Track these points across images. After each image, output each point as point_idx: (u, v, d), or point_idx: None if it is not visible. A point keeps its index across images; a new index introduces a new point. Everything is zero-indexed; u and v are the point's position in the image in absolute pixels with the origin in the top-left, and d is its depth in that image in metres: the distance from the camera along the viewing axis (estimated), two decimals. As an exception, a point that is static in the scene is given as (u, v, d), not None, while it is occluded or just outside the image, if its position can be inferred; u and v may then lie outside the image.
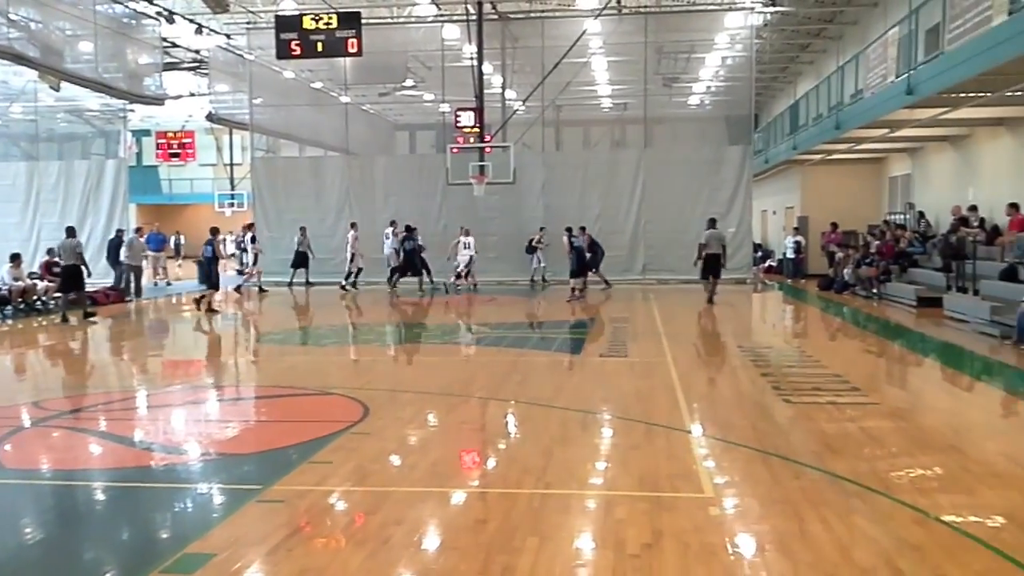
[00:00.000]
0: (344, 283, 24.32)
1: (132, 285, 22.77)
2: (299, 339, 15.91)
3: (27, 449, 7.91)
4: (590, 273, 22.30)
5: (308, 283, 25.33)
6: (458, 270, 23.30)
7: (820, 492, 5.96)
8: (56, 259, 20.00)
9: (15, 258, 19.54)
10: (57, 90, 25.74)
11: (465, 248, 23.27)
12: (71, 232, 18.92)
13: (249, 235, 25.05)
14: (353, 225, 24.79)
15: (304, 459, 6.99)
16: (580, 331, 15.59)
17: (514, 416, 8.90)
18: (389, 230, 24.28)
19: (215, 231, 20.20)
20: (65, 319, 17.62)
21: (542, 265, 24.86)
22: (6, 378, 12.39)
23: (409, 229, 23.60)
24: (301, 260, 25.10)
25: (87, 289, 18.83)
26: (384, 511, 5.74)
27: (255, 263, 24.75)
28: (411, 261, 23.45)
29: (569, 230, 22.40)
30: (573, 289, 20.47)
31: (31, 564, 5.13)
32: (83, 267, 18.08)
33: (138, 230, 23.43)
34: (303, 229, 25.34)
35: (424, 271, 23.71)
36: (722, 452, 7.18)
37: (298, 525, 5.51)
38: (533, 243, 24.73)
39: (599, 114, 36.97)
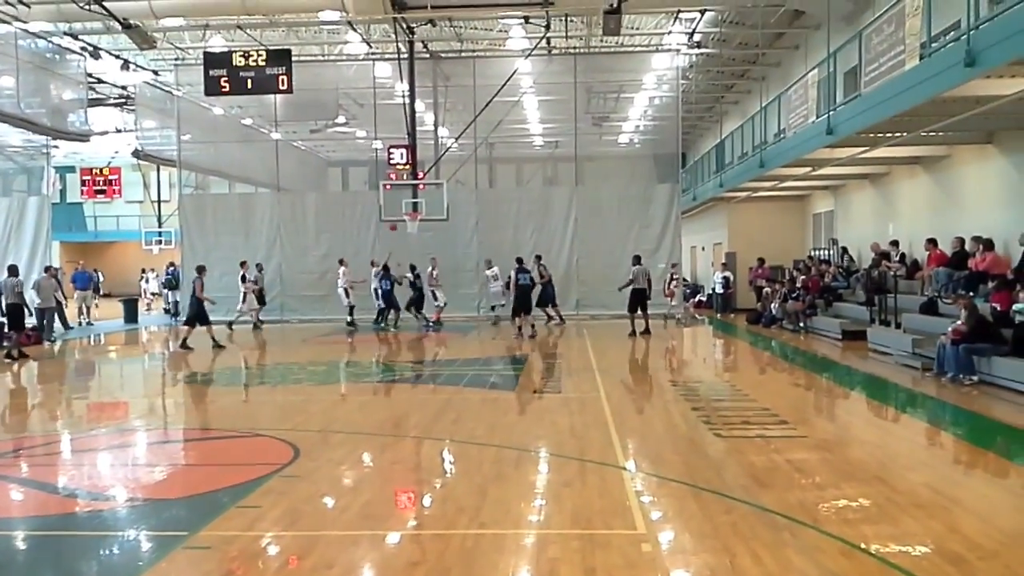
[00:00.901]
0: (377, 321, 24.07)
1: (45, 326, 21.74)
2: (230, 379, 15.61)
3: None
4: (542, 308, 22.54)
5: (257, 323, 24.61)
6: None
7: (751, 526, 6.04)
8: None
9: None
10: (-23, 126, 25.07)
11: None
12: (13, 271, 18.52)
13: (241, 273, 24.03)
14: (342, 261, 24.45)
15: (232, 503, 6.84)
16: (515, 367, 15.62)
17: (448, 455, 8.85)
18: (373, 270, 24.04)
19: (201, 269, 19.89)
20: (12, 357, 17.46)
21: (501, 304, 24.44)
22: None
23: (386, 268, 23.50)
24: (261, 297, 24.64)
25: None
26: (315, 555, 5.65)
27: (244, 301, 23.86)
28: (389, 300, 23.42)
29: (520, 261, 21.68)
30: (520, 328, 20.01)
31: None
32: (24, 306, 17.83)
33: (47, 269, 22.55)
34: (259, 266, 24.92)
35: (395, 308, 23.63)
36: (655, 488, 7.24)
37: (227, 571, 5.38)
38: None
39: (531, 151, 37.34)
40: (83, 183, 43.23)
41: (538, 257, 21.74)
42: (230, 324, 23.30)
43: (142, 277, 37.65)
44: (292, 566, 5.52)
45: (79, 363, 19.15)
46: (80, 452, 9.58)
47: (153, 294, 36.41)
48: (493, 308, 24.62)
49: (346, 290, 24.27)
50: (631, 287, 20.38)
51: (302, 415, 11.09)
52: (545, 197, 27.02)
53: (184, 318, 19.32)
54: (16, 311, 17.98)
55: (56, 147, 31.13)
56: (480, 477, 7.59)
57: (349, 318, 24.09)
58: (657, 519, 6.39)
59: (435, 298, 23.83)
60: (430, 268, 23.85)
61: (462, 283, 25.44)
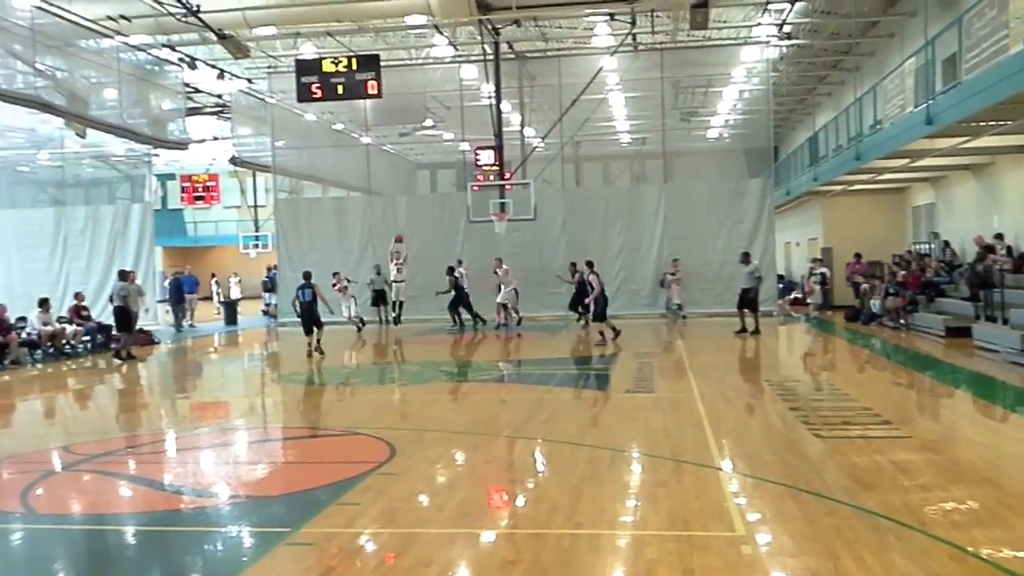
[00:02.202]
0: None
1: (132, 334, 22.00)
2: (327, 379, 15.94)
3: (57, 494, 7.95)
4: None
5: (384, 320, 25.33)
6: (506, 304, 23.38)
7: (854, 529, 5.87)
8: (84, 303, 20.30)
9: (44, 303, 19.79)
10: (83, 137, 26.21)
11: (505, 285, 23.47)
12: (122, 275, 19.26)
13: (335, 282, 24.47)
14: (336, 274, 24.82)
15: (332, 501, 6.98)
16: (606, 367, 15.54)
17: (541, 454, 8.85)
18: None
19: (308, 275, 18.99)
20: (123, 358, 18.35)
21: (674, 301, 24.40)
22: (36, 423, 12.50)
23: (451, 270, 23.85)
24: (380, 297, 25.22)
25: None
26: (413, 553, 5.72)
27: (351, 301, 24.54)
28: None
29: (590, 265, 20.58)
30: (602, 334, 18.98)
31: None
32: (129, 310, 18.59)
33: (130, 274, 22.43)
34: (377, 267, 25.40)
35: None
36: (753, 489, 7.10)
37: (328, 568, 5.49)
38: (667, 276, 24.48)
39: (618, 149, 37.16)
40: (183, 190, 44.74)
41: (589, 264, 19.78)
42: (359, 322, 24.15)
43: (212, 279, 38.25)
44: (390, 563, 5.60)
45: (183, 364, 19.82)
46: (185, 450, 9.92)
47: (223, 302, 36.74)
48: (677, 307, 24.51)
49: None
50: (743, 286, 19.99)
51: (397, 414, 11.27)
52: (633, 195, 26.80)
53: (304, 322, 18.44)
54: (123, 315, 18.56)
55: (157, 155, 32.28)
56: (574, 477, 7.57)
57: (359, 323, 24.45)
58: (756, 521, 6.26)
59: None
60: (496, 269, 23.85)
61: (550, 282, 25.43)
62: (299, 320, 18.56)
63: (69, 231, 27.48)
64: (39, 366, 18.05)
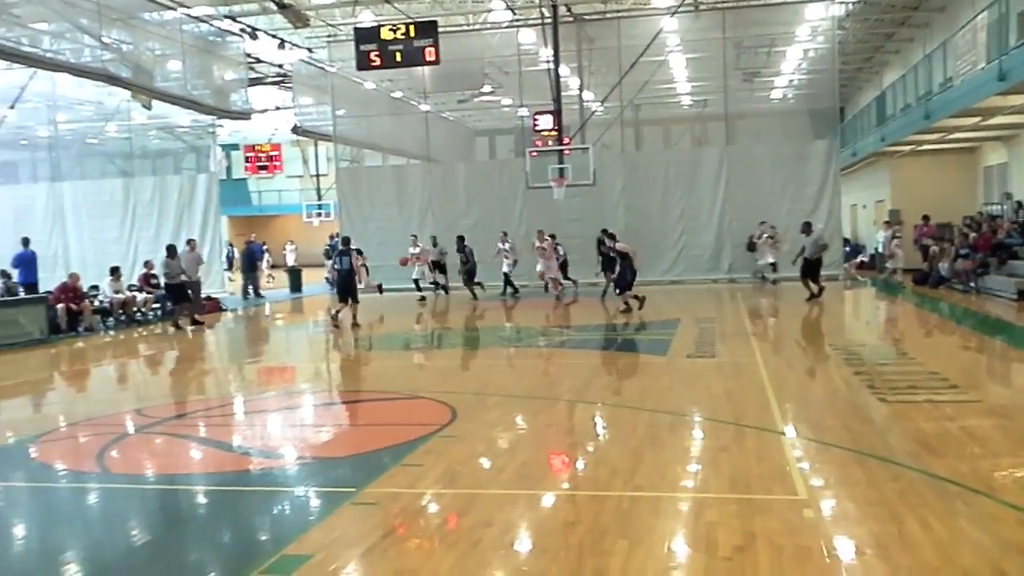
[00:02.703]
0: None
1: (195, 301, 21.25)
2: (389, 344, 16.15)
3: (131, 455, 8.23)
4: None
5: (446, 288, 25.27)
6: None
7: (919, 494, 5.79)
8: (153, 271, 20.77)
9: (115, 272, 20.34)
10: (149, 108, 26.72)
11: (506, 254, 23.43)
12: (170, 252, 19.60)
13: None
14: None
15: (396, 462, 7.11)
16: (666, 332, 15.45)
17: (601, 418, 8.88)
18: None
19: (348, 241, 18.83)
20: (178, 326, 18.76)
21: (770, 262, 23.44)
22: (110, 387, 12.92)
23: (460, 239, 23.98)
24: (436, 266, 25.00)
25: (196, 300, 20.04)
26: (474, 513, 5.81)
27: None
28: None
29: (612, 236, 19.86)
30: (627, 303, 17.86)
31: (138, 565, 5.34)
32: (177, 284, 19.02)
33: (189, 242, 22.19)
34: (434, 238, 25.34)
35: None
36: (816, 453, 7.04)
37: (392, 527, 5.61)
38: (754, 240, 23.76)
39: (679, 112, 36.61)
40: (247, 160, 45.43)
41: (611, 235, 19.72)
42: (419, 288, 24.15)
43: (292, 246, 38.97)
44: (452, 523, 5.69)
45: (251, 330, 20.22)
46: (253, 413, 10.18)
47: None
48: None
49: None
50: (803, 255, 19.28)
51: (458, 378, 11.38)
52: (694, 158, 26.43)
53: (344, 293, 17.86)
54: (171, 289, 19.23)
55: (221, 126, 32.80)
56: (634, 441, 7.58)
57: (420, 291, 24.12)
58: (819, 485, 6.22)
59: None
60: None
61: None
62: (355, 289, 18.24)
63: (138, 201, 28.10)
64: (111, 333, 18.58)
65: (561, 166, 22.87)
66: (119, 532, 6.01)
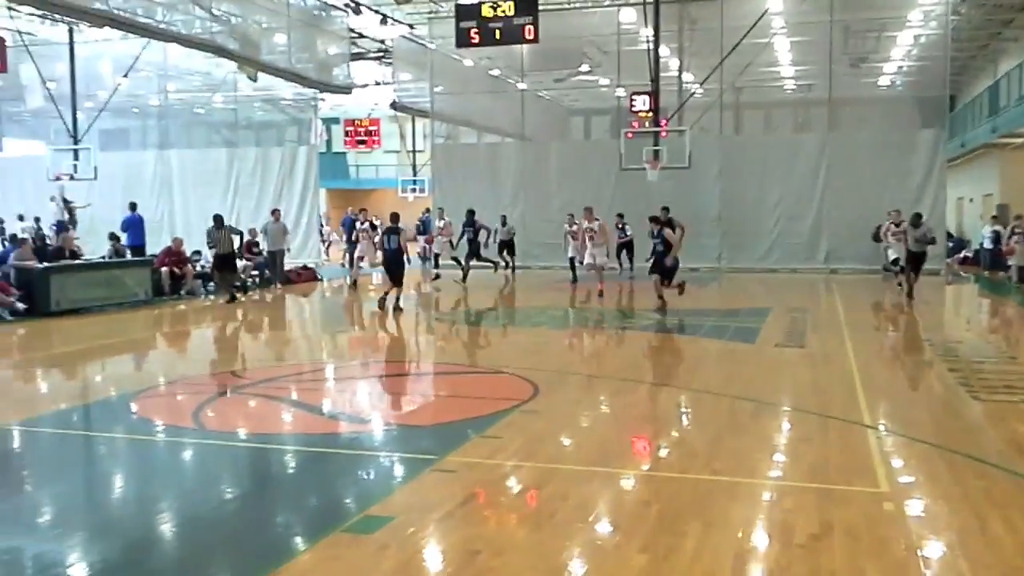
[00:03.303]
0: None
1: (277, 270, 21.89)
2: (474, 320, 16.35)
3: (225, 414, 8.59)
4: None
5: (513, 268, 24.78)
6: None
7: (1005, 493, 5.64)
8: (256, 239, 21.41)
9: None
10: (254, 80, 27.46)
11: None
12: (217, 222, 19.50)
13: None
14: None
15: (477, 433, 7.24)
16: (756, 320, 15.23)
17: (683, 402, 8.85)
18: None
19: (396, 218, 16.94)
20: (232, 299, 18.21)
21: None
22: (207, 349, 13.45)
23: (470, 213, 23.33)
24: (505, 246, 24.38)
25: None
26: (551, 486, 5.90)
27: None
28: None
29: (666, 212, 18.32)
30: (661, 297, 15.86)
31: (228, 517, 5.61)
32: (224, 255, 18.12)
33: (274, 212, 22.35)
34: (504, 217, 25.01)
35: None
36: (902, 448, 6.90)
37: (470, 495, 5.75)
38: (883, 231, 20.95)
39: (781, 96, 35.74)
40: (346, 134, 46.16)
41: (665, 210, 18.14)
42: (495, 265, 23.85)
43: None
44: (530, 495, 5.80)
45: (346, 301, 20.63)
46: (342, 380, 10.49)
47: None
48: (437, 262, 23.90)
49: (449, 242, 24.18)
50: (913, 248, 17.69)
51: (541, 356, 11.47)
52: (794, 144, 25.83)
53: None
54: (218, 260, 18.11)
55: (322, 100, 33.48)
56: (715, 426, 7.55)
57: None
58: (902, 479, 6.11)
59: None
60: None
61: (703, 233, 24.98)
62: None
63: (241, 171, 28.98)
64: (211, 297, 19.26)
65: (656, 148, 22.65)
66: (213, 486, 6.31)
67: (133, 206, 22.86)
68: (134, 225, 22.08)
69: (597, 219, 20.09)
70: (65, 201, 26.52)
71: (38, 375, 11.03)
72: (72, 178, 24.55)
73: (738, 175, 25.21)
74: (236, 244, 18.46)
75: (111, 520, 5.61)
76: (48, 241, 22.24)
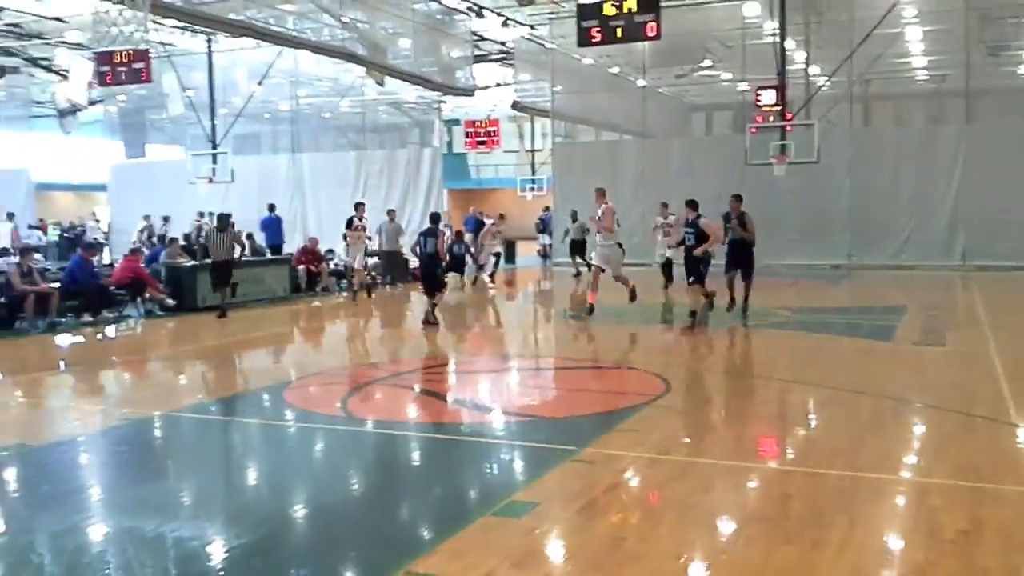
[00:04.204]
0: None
1: (399, 270, 21.56)
2: (602, 316, 16.40)
3: (370, 404, 8.99)
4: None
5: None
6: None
7: None
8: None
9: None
10: (382, 85, 28.27)
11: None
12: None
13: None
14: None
15: (612, 427, 7.38)
16: (891, 318, 14.80)
17: (820, 400, 8.72)
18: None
19: (437, 218, 15.14)
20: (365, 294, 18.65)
21: None
22: (346, 343, 14.01)
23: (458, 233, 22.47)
24: (576, 246, 23.95)
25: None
26: (690, 479, 5.99)
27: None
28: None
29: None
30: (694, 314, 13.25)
31: (385, 501, 5.92)
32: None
33: (390, 212, 21.21)
34: (574, 213, 24.69)
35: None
36: (1055, 448, 6.68)
37: (611, 485, 5.89)
38: None
39: (913, 87, 34.46)
40: (467, 135, 46.91)
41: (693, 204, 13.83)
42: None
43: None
44: (670, 487, 5.89)
45: (471, 299, 21.01)
46: (479, 373, 10.78)
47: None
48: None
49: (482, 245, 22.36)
50: None
51: (670, 353, 11.50)
52: (928, 136, 24.88)
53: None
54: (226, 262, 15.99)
55: (444, 102, 34.21)
56: (856, 424, 7.46)
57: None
58: (1057, 480, 5.93)
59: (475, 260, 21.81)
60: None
61: (831, 229, 24.35)
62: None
63: (368, 173, 29.89)
64: (344, 294, 19.94)
65: (783, 142, 22.23)
66: (363, 470, 6.67)
67: (272, 207, 23.90)
68: (272, 225, 23.10)
69: (671, 214, 18.66)
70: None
71: (189, 366, 11.73)
72: (211, 180, 25.80)
73: (868, 169, 24.46)
74: (237, 253, 16.15)
75: (271, 502, 6.02)
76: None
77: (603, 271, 14.50)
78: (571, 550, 4.85)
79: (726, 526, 5.17)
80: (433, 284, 14.18)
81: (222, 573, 4.63)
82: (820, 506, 5.41)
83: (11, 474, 6.65)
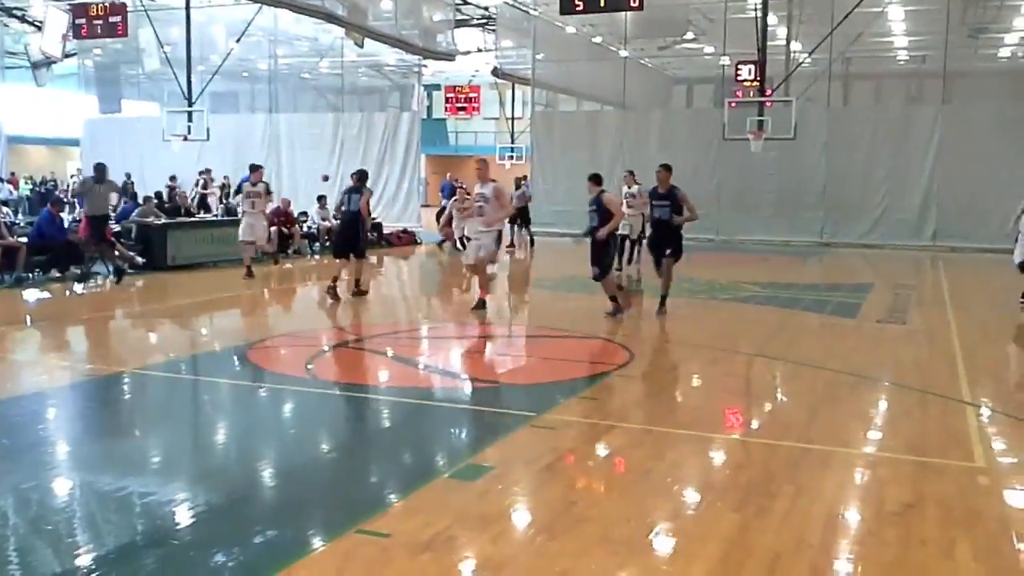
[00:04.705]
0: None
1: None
2: (571, 286, 16.50)
3: (334, 367, 9.03)
4: None
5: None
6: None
7: (1112, 474, 5.58)
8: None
9: (321, 200, 21.71)
10: (361, 46, 28.05)
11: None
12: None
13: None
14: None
15: (573, 394, 7.47)
16: (857, 295, 14.98)
17: (780, 373, 8.86)
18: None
19: (364, 176, 13.49)
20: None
21: None
22: (313, 307, 13.99)
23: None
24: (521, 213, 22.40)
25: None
26: (645, 447, 6.09)
27: None
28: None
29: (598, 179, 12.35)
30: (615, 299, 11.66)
31: (345, 460, 6.00)
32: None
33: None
34: (518, 180, 24.19)
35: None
36: (1002, 425, 6.84)
37: (567, 450, 5.97)
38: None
39: (893, 67, 34.64)
40: (447, 100, 46.62)
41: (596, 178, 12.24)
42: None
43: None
44: (624, 453, 5.99)
45: (444, 264, 21.02)
46: (444, 339, 10.84)
47: None
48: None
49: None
50: None
51: (636, 324, 11.59)
52: (906, 117, 25.04)
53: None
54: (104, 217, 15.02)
55: (425, 66, 33.91)
56: (812, 397, 7.59)
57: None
58: (1000, 454, 6.08)
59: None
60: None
61: (805, 206, 24.53)
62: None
63: (345, 136, 29.68)
64: (317, 257, 19.89)
65: (761, 118, 22.28)
66: (325, 431, 6.71)
67: (253, 167, 23.66)
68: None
69: (637, 183, 17.46)
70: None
71: (155, 325, 11.69)
72: (186, 139, 25.49)
73: (845, 148, 24.63)
74: (113, 202, 14.94)
75: (234, 461, 6.07)
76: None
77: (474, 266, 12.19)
78: (523, 512, 4.94)
79: (676, 493, 5.27)
80: (352, 247, 12.73)
81: (174, 530, 4.67)
82: (770, 476, 5.52)
83: (-30, 426, 6.65)
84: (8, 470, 5.47)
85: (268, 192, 17.07)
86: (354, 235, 12.82)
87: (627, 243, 17.00)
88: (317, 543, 4.45)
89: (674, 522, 4.81)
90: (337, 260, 13.23)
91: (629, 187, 17.47)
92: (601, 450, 6.10)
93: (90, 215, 14.50)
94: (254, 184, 15.95)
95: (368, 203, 13.20)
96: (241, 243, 15.76)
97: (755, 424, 7.05)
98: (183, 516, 4.82)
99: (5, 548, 4.33)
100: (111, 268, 14.91)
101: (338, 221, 13.12)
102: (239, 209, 16.52)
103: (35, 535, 4.51)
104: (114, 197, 15.46)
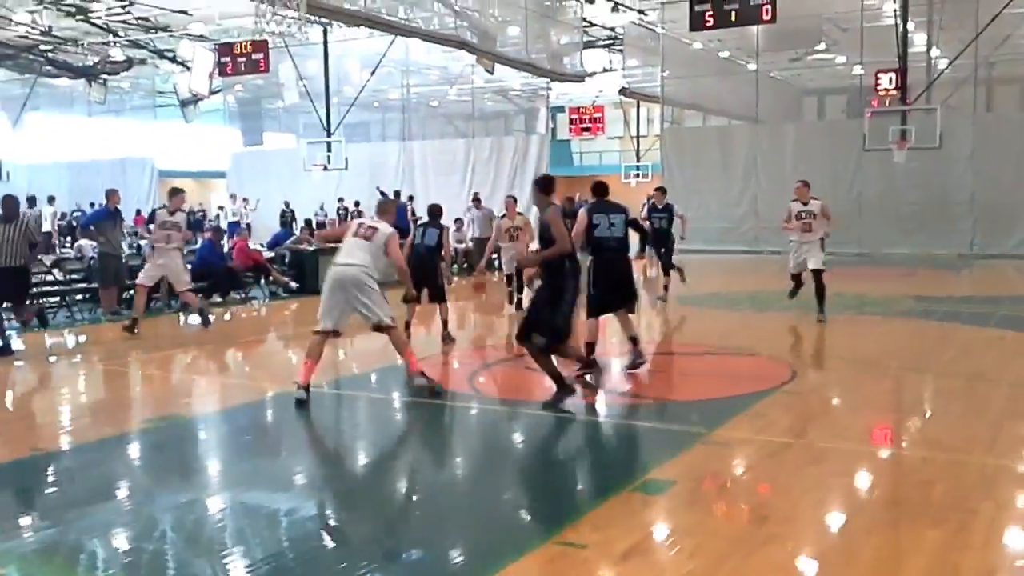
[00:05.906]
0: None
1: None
2: (719, 303, 16.30)
3: (497, 383, 9.23)
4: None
5: None
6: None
7: None
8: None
9: (458, 222, 22.19)
10: (491, 72, 28.61)
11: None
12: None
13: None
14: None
15: (742, 411, 7.37)
16: (1021, 307, 14.27)
17: (952, 388, 8.54)
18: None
19: (438, 211, 12.02)
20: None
21: None
22: (467, 325, 14.30)
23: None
24: None
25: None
26: (827, 464, 5.99)
27: None
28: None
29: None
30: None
31: (529, 476, 6.16)
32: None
33: (475, 198, 21.96)
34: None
35: None
36: None
37: (748, 467, 5.95)
38: None
39: (1044, 70, 32.96)
40: (571, 121, 46.91)
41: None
42: None
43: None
44: (806, 469, 5.90)
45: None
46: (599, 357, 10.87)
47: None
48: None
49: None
50: None
51: (794, 339, 11.39)
52: (1059, 121, 23.83)
53: None
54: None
55: (550, 89, 34.31)
56: (994, 412, 7.31)
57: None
58: None
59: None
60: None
61: (951, 217, 23.57)
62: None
63: (476, 160, 30.30)
64: (455, 278, 20.20)
65: (904, 128, 21.57)
66: (489, 446, 6.90)
67: (397, 194, 24.46)
68: (398, 212, 23.61)
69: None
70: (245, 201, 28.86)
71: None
72: (326, 168, 26.55)
73: (993, 156, 23.59)
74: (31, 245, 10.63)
75: (417, 477, 6.30)
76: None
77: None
78: (713, 527, 4.94)
79: (869, 509, 5.18)
80: (431, 287, 10.95)
81: (388, 540, 4.89)
82: (964, 492, 5.36)
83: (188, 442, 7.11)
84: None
85: (190, 225, 14.25)
86: (434, 274, 11.14)
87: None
88: (519, 553, 4.57)
89: (870, 538, 4.72)
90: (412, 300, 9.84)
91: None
92: (781, 466, 6.03)
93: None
94: (172, 213, 12.11)
95: (448, 238, 11.94)
96: (137, 287, 12.03)
97: (935, 440, 6.82)
98: (395, 523, 5.07)
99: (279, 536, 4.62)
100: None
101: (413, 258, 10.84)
102: (145, 246, 14.00)
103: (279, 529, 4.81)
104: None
